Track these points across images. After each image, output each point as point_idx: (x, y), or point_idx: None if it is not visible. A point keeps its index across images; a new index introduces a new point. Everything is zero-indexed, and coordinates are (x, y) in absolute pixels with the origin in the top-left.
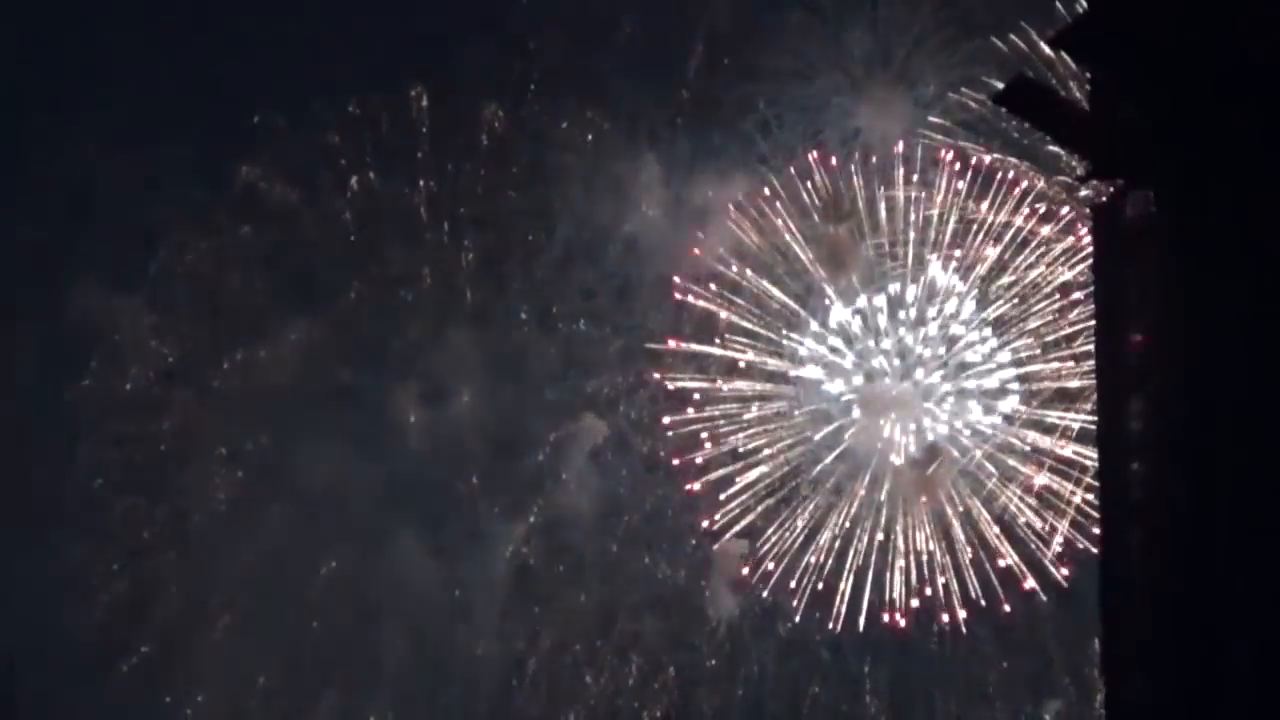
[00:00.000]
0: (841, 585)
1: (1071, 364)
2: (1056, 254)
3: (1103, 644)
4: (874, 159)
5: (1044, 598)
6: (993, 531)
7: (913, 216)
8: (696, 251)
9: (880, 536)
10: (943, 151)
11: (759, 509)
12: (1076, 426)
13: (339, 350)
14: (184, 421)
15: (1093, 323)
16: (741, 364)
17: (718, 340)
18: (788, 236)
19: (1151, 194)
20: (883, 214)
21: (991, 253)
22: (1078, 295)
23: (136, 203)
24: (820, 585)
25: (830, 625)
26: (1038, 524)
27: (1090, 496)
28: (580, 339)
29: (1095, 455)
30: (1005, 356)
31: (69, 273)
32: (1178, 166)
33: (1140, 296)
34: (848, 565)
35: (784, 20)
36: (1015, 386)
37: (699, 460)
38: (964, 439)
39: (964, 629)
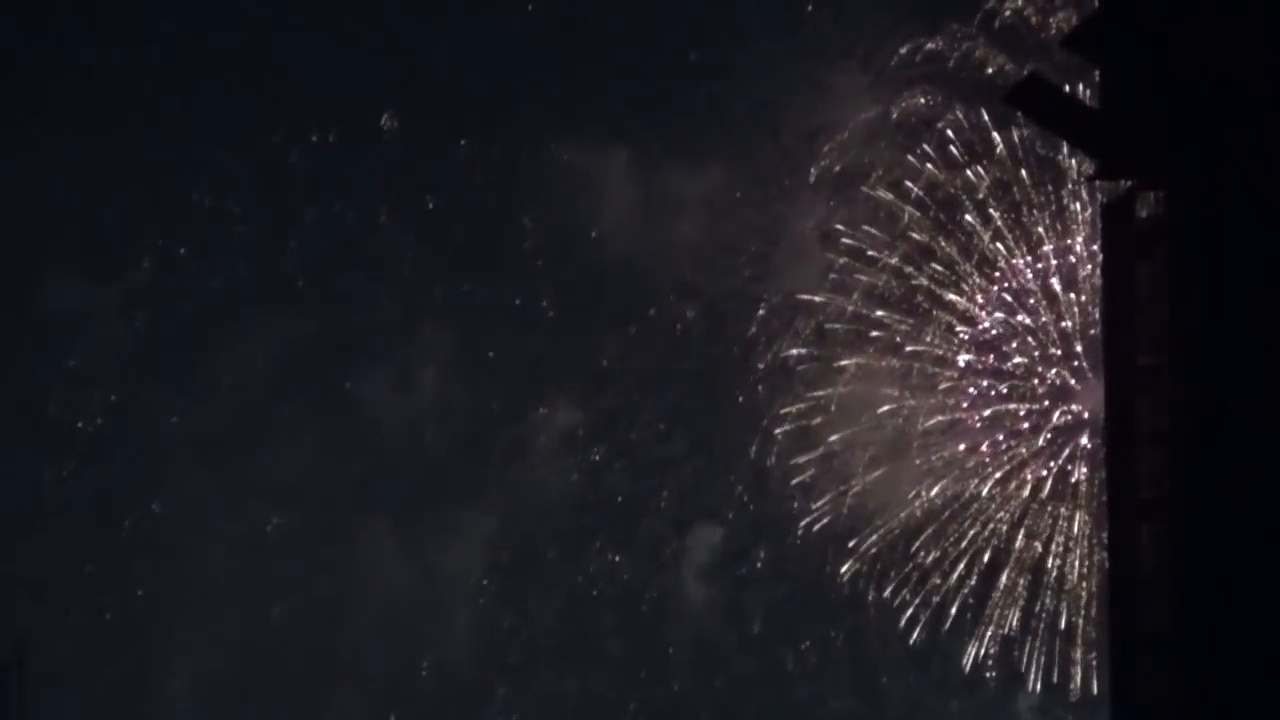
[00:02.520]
0: None
1: None
2: None
3: (1110, 640)
4: None
5: None
6: None
7: None
8: None
9: None
10: None
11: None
12: None
13: (312, 344)
14: (155, 416)
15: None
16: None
17: None
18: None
19: (1162, 194)
20: None
21: None
22: None
23: (110, 195)
24: None
25: None
26: None
27: None
28: (555, 331)
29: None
30: None
31: (42, 266)
32: (1189, 166)
33: (1150, 296)
34: None
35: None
36: None
37: None
38: None
39: None
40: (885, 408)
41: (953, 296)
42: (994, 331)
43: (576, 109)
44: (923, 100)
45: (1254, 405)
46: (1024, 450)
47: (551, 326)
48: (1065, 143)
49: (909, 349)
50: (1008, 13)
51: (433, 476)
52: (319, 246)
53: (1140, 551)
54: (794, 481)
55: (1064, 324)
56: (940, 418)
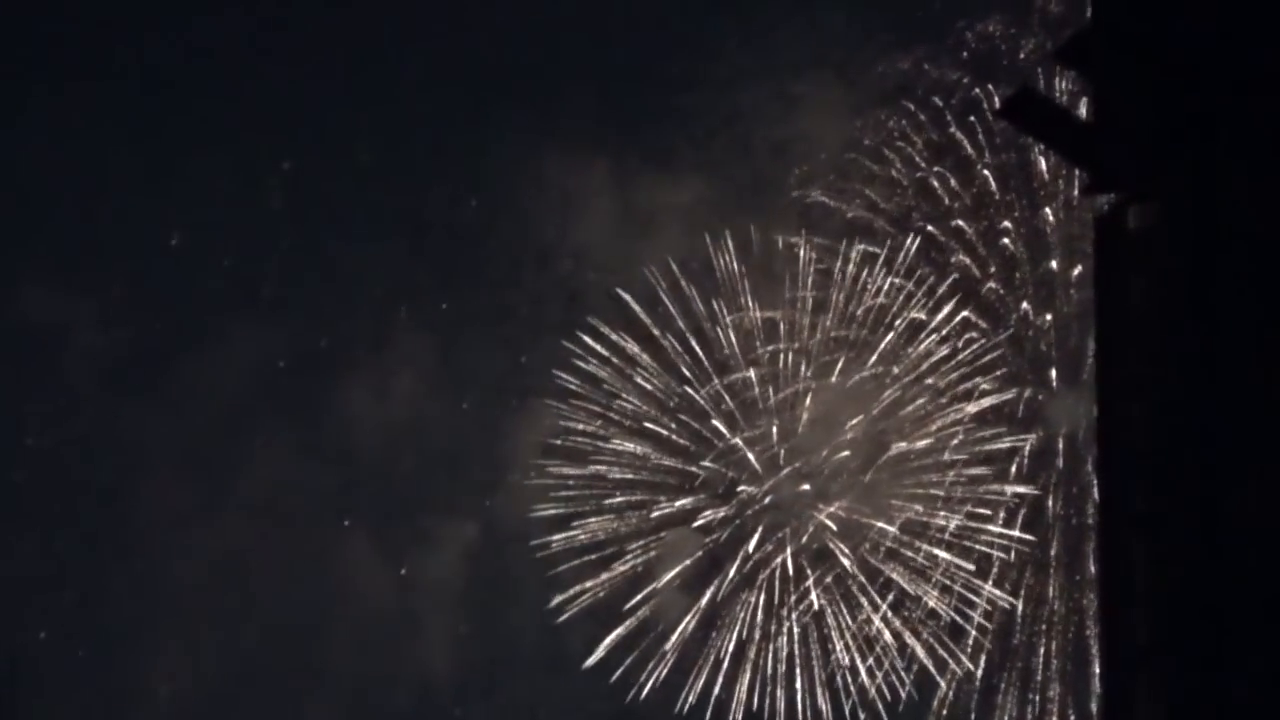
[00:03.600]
0: None
1: None
2: None
3: (1101, 654)
4: None
5: None
6: None
7: None
8: None
9: None
10: None
11: None
12: None
13: (290, 356)
14: (131, 429)
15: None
16: None
17: None
18: None
19: (1155, 206)
20: None
21: None
22: None
23: (88, 207)
24: None
25: None
26: None
27: None
28: (529, 340)
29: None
30: None
31: (17, 274)
32: (1181, 178)
33: (1142, 309)
34: None
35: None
36: None
37: None
38: None
39: None
40: None
41: None
42: None
43: (555, 121)
44: (892, 121)
45: (1247, 417)
46: None
47: (529, 338)
48: (1056, 155)
49: None
50: (977, 32)
51: (410, 488)
52: (296, 259)
53: (1131, 566)
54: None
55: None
56: None
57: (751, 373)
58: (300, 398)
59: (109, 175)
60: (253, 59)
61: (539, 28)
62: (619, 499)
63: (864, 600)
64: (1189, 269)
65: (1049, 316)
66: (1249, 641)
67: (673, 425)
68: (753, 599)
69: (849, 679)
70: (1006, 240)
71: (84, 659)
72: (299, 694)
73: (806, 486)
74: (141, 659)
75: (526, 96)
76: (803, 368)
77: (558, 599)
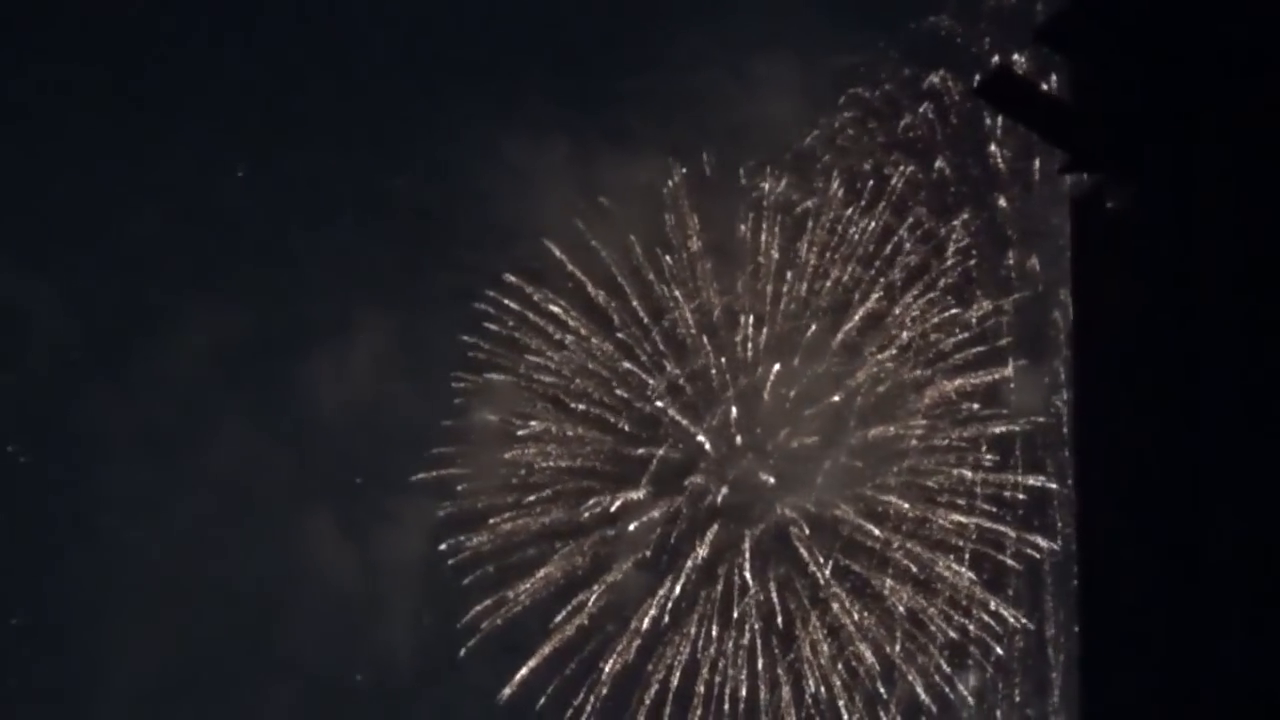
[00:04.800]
0: None
1: None
2: None
3: (1081, 647)
4: None
5: None
6: None
7: None
8: None
9: None
10: None
11: None
12: None
13: (251, 336)
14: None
15: None
16: None
17: None
18: None
19: (1133, 186)
20: None
21: None
22: None
23: (47, 189)
24: None
25: None
26: None
27: None
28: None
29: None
30: None
31: None
32: (1160, 158)
33: (1121, 291)
34: None
35: None
36: None
37: None
38: None
39: None
40: None
41: None
42: None
43: (512, 102)
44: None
45: (1228, 402)
46: None
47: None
48: (1034, 134)
49: None
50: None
51: (372, 469)
52: (255, 240)
53: (1111, 557)
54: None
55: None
56: None
57: (709, 351)
58: (260, 379)
59: (67, 158)
60: (213, 44)
61: (497, 9)
62: (542, 494)
63: (846, 621)
64: (1168, 250)
65: (1006, 304)
66: (1231, 631)
67: (607, 402)
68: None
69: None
70: (961, 228)
71: (42, 642)
72: (258, 675)
73: (769, 478)
74: (100, 641)
75: (485, 78)
76: (762, 343)
77: (465, 619)
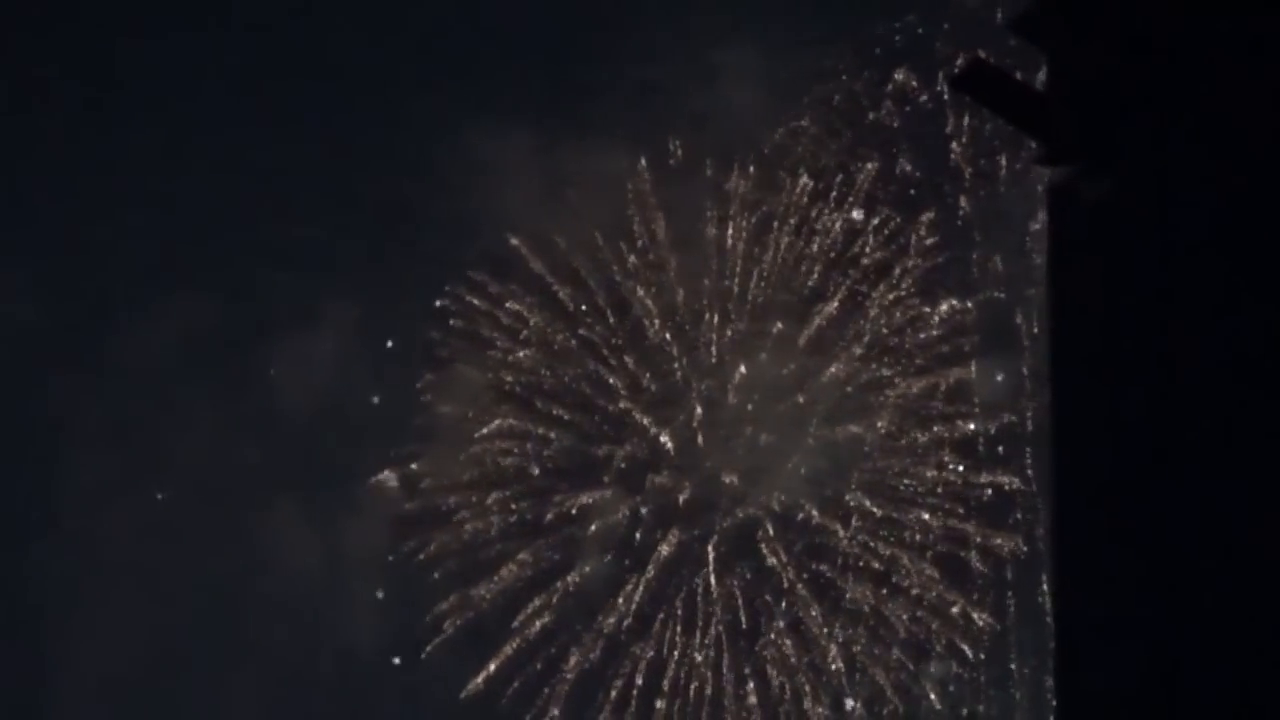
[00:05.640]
0: None
1: None
2: None
3: (1056, 631)
4: None
5: None
6: None
7: None
8: None
9: None
10: None
11: None
12: None
13: (216, 324)
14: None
15: None
16: None
17: None
18: None
19: (1109, 178)
20: None
21: None
22: None
23: (13, 176)
24: None
25: None
26: None
27: None
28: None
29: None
30: None
31: None
32: (1136, 148)
33: (1097, 283)
34: None
35: None
36: None
37: None
38: None
39: None
40: None
41: None
42: None
43: (478, 93)
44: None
45: (1204, 392)
46: None
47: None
48: (1009, 125)
49: None
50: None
51: (336, 456)
52: (221, 230)
53: (1085, 553)
54: None
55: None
56: None
57: (674, 348)
58: (227, 369)
59: (32, 146)
60: (182, 34)
61: (464, 2)
62: (504, 492)
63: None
64: (1145, 241)
65: (969, 303)
66: (1204, 616)
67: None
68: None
69: None
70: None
71: (5, 631)
72: (224, 663)
73: (732, 478)
74: (65, 630)
75: (451, 70)
76: (727, 341)
77: (429, 616)
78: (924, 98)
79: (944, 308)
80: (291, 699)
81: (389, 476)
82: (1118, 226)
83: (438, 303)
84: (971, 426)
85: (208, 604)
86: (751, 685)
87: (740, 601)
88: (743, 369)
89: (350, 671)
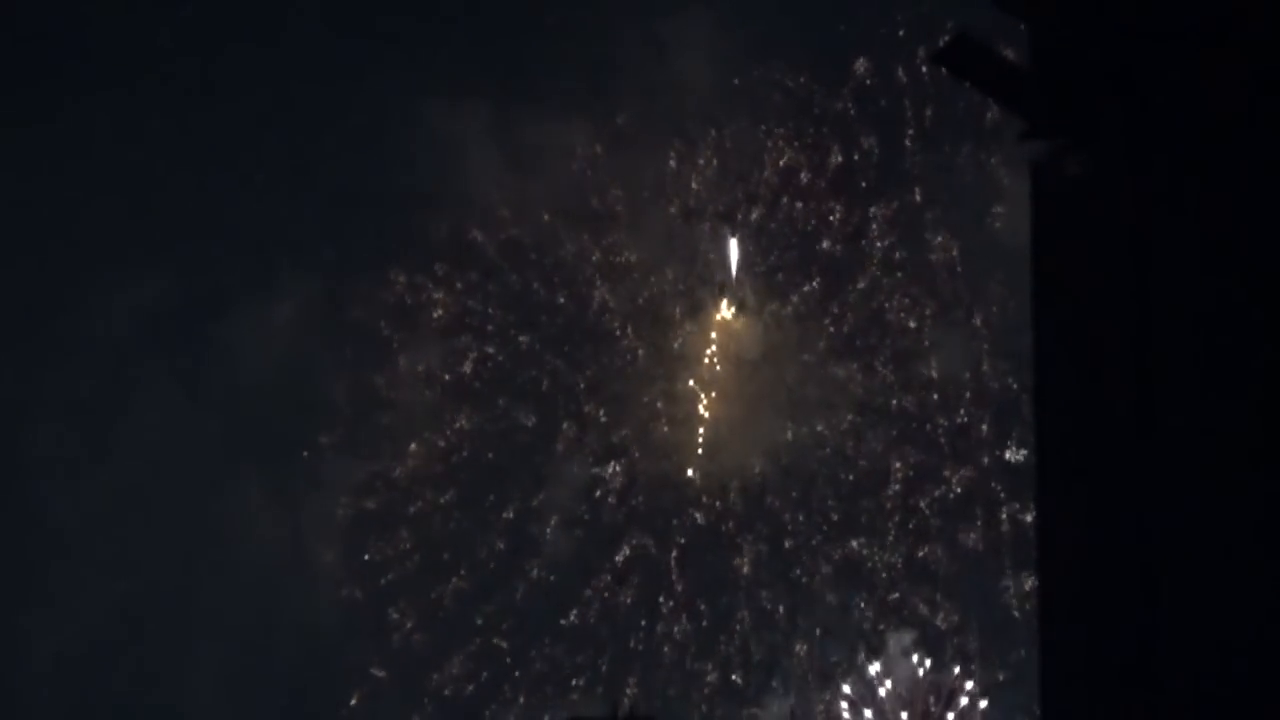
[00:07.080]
0: None
1: None
2: None
3: (1039, 602)
4: None
5: None
6: None
7: None
8: None
9: None
10: None
11: None
12: None
13: (174, 300)
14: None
15: None
16: None
17: None
18: None
19: (1092, 154)
20: None
21: None
22: None
23: None
24: None
25: None
26: None
27: None
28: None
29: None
30: None
31: None
32: (1119, 123)
33: (1080, 260)
34: None
35: None
36: None
37: None
38: None
39: None
40: None
41: None
42: None
43: (433, 69)
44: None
45: (1188, 373)
46: None
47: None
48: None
49: None
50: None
51: (295, 432)
52: (178, 203)
53: (1071, 535)
54: None
55: None
56: None
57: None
58: (184, 342)
59: None
60: (133, 7)
61: None
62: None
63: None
64: (1128, 217)
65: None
66: (1188, 586)
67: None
68: None
69: None
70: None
71: None
72: (185, 640)
73: (693, 471)
74: (25, 608)
75: (405, 43)
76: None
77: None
78: (878, 84)
79: (901, 301)
80: (252, 669)
81: (346, 456)
82: (1103, 201)
83: (394, 282)
84: (934, 422)
85: (167, 576)
86: (713, 676)
87: (700, 591)
88: (706, 360)
89: (310, 642)
